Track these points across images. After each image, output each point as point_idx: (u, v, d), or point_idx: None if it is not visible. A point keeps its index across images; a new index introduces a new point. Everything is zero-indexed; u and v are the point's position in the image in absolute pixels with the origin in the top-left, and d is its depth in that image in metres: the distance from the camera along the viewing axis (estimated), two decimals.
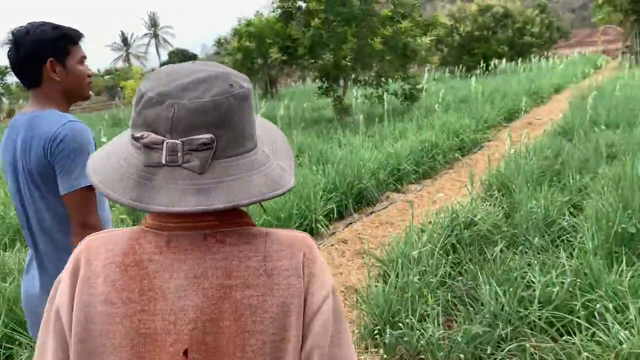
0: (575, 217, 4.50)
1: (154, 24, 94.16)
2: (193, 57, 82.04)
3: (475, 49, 27.22)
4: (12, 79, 26.97)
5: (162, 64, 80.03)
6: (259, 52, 15.55)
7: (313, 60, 13.92)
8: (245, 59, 15.79)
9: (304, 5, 13.65)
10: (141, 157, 0.77)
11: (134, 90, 12.84)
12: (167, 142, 0.74)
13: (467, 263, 3.83)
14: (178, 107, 0.75)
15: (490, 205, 5.09)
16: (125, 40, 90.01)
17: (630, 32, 26.53)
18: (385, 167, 6.97)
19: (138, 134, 0.77)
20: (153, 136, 0.75)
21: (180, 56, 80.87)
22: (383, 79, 13.79)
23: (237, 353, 0.79)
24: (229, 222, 0.82)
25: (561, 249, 3.81)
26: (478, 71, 23.34)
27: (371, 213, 6.07)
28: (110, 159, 0.80)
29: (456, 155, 8.60)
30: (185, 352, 0.78)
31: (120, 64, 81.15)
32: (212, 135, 0.75)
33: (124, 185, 0.76)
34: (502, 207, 5.00)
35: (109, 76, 61.02)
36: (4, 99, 32.76)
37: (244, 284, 0.80)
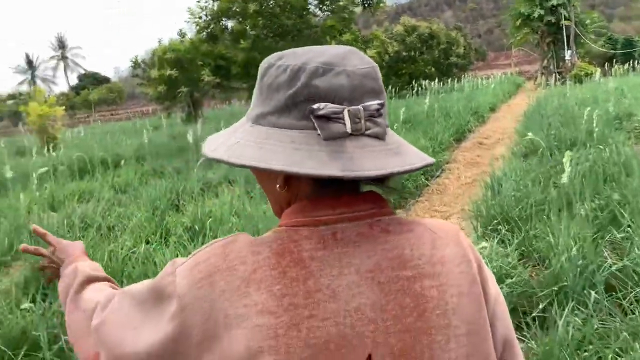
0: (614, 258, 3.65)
1: (61, 45, 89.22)
2: (106, 80, 78.64)
3: (402, 69, 27.24)
4: None
5: (72, 88, 75.76)
6: (185, 79, 14.23)
7: (246, 80, 12.99)
8: (171, 89, 14.41)
9: (230, 24, 12.80)
10: (310, 135, 0.71)
11: (40, 116, 11.06)
12: (348, 110, 0.70)
13: None
14: (348, 74, 0.72)
15: (499, 245, 4.17)
16: (30, 63, 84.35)
17: (547, 53, 27.62)
18: None
19: (314, 106, 0.70)
20: (331, 106, 0.70)
21: (92, 79, 77.22)
22: None
23: (426, 352, 0.70)
24: (384, 210, 0.77)
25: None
26: (407, 92, 23.23)
27: None
28: (263, 147, 0.72)
29: (423, 180, 7.74)
30: (369, 358, 0.69)
31: (25, 88, 75.64)
32: (383, 101, 0.74)
33: (315, 162, 0.68)
34: (519, 250, 4.10)
35: (11, 101, 56.42)
36: None
37: (420, 275, 0.73)
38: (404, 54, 27.10)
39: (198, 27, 12.84)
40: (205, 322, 0.68)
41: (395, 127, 10.43)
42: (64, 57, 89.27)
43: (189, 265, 0.72)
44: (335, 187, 0.74)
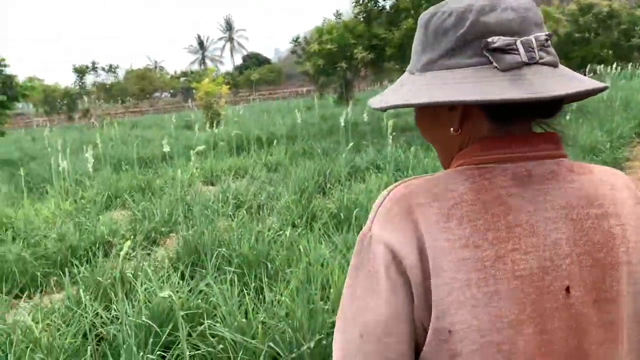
0: None
1: (229, 27, 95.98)
2: (266, 61, 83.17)
3: (573, 52, 24.56)
4: (91, 78, 27.28)
5: (236, 67, 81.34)
6: (342, 55, 14.22)
7: (401, 62, 12.58)
8: (327, 63, 14.50)
9: (388, 4, 12.40)
10: (486, 69, 0.73)
11: (207, 93, 11.74)
12: (521, 40, 0.72)
13: None
14: (514, 8, 0.74)
15: None
16: (201, 44, 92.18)
17: None
18: None
19: (488, 40, 0.72)
20: (504, 38, 0.72)
21: (254, 60, 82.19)
22: None
23: (614, 286, 0.74)
24: (562, 152, 0.78)
25: None
26: None
27: None
28: (446, 85, 0.73)
29: None
30: (567, 289, 0.71)
31: (195, 67, 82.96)
32: (549, 32, 0.75)
33: (500, 89, 0.70)
34: None
35: (184, 78, 62.23)
36: (85, 98, 33.46)
37: (606, 213, 0.75)
38: (577, 35, 24.37)
39: (357, 8, 12.68)
40: (416, 260, 0.69)
41: (567, 117, 9.30)
42: (230, 39, 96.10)
43: (381, 217, 0.74)
44: (509, 125, 0.76)
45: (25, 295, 4.49)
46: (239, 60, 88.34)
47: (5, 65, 12.55)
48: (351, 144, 7.16)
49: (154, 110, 42.14)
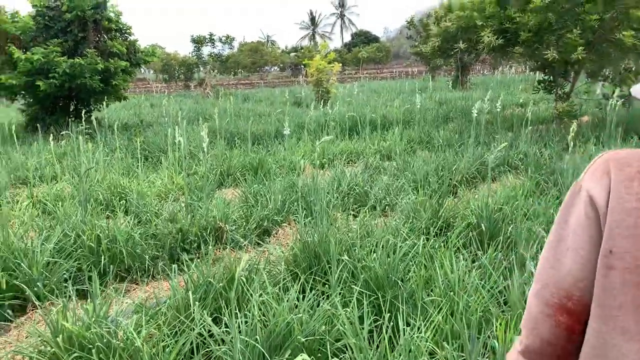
0: None
1: (341, 4, 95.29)
2: (375, 39, 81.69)
3: None
4: (207, 49, 27.96)
5: (344, 45, 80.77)
6: (463, 36, 13.02)
7: (536, 47, 11.24)
8: (446, 43, 13.39)
9: None
10: None
11: (318, 70, 11.16)
12: None
13: None
14: None
15: None
16: (312, 20, 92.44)
17: None
18: None
19: None
20: None
21: (363, 37, 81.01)
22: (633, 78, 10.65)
23: None
24: None
25: None
26: None
27: None
28: None
29: None
30: None
31: (306, 43, 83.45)
32: None
33: None
34: None
35: (294, 53, 62.73)
36: (201, 68, 34.54)
37: None
38: None
39: None
40: (604, 204, 0.85)
41: None
42: (341, 15, 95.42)
43: (589, 172, 0.90)
44: None
45: (127, 280, 4.24)
46: (348, 38, 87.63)
47: (130, 33, 12.88)
48: (474, 137, 6.27)
49: (264, 84, 42.77)
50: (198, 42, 27.25)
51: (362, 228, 4.37)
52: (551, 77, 11.76)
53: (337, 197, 5.86)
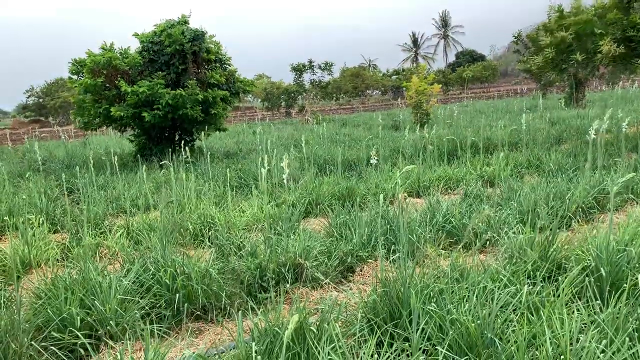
0: None
1: (444, 24, 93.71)
2: (481, 57, 79.01)
3: None
4: (308, 76, 28.55)
5: (448, 65, 79.00)
6: (579, 46, 11.88)
7: None
8: (560, 54, 12.28)
9: None
10: None
11: (417, 92, 10.67)
12: None
13: None
14: None
15: None
16: (415, 41, 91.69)
17: None
18: None
19: None
20: None
21: (468, 57, 78.71)
22: None
23: None
24: None
25: None
26: None
27: None
28: None
29: None
30: None
31: (407, 65, 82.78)
32: None
33: None
34: None
35: (395, 76, 62.40)
36: (304, 94, 35.27)
37: None
38: None
39: None
40: None
41: None
42: (445, 36, 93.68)
43: None
44: None
45: (202, 320, 4.03)
46: (452, 58, 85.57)
47: (229, 64, 13.28)
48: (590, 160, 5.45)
49: (363, 108, 42.72)
50: (298, 69, 27.86)
51: (454, 270, 3.84)
52: None
53: (430, 231, 5.34)
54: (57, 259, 5.59)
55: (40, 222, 6.47)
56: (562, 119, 15.75)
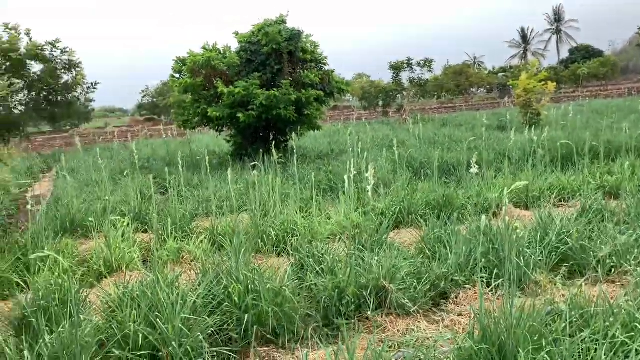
0: None
1: (558, 19, 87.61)
2: (598, 53, 72.71)
3: None
4: (406, 74, 27.57)
5: (561, 62, 73.79)
6: None
7: None
8: None
9: None
10: None
11: (526, 90, 9.60)
12: None
13: None
14: None
15: None
16: (524, 37, 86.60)
17: None
18: None
19: None
20: None
21: (584, 53, 72.81)
22: None
23: None
24: None
25: None
26: None
27: None
28: None
29: None
30: None
31: (516, 62, 78.38)
32: None
33: None
34: None
35: (502, 74, 59.22)
36: (403, 93, 34.40)
37: None
38: None
39: None
40: None
41: None
42: (557, 31, 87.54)
43: None
44: None
45: (272, 345, 3.62)
46: (565, 54, 79.80)
47: (325, 63, 12.95)
48: None
49: (467, 106, 40.84)
50: (396, 68, 27.03)
51: (573, 307, 3.12)
52: None
53: (541, 253, 4.56)
54: (138, 263, 5.49)
55: (129, 222, 6.47)
56: None
